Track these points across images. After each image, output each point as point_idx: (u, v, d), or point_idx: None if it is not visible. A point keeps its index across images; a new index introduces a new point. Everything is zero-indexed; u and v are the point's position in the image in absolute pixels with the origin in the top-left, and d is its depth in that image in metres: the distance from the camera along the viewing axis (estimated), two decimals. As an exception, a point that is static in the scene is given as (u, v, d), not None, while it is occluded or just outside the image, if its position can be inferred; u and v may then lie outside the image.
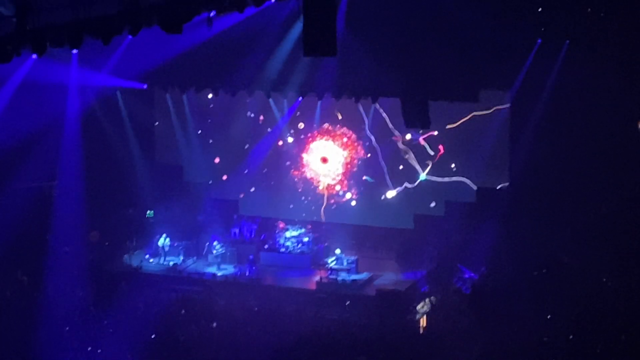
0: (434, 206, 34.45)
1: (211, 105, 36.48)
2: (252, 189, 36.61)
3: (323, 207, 36.10)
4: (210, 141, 36.94)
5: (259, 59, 32.83)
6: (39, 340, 27.90)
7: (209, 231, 35.60)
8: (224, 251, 34.71)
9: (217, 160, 36.78)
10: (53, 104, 33.71)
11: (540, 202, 30.95)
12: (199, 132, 36.89)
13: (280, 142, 36.37)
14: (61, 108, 33.80)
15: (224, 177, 36.89)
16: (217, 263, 34.28)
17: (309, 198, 36.26)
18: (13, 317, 28.75)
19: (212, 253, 34.67)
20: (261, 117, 36.19)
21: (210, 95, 35.73)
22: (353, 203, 35.84)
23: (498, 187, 33.14)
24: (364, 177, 35.48)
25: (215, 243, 34.71)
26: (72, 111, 34.05)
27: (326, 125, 35.73)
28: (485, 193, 33.32)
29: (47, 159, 33.30)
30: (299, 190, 36.26)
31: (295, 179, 36.25)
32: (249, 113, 36.14)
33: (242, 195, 36.82)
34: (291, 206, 36.30)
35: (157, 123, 37.31)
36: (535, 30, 29.88)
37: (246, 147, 36.46)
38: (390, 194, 35.20)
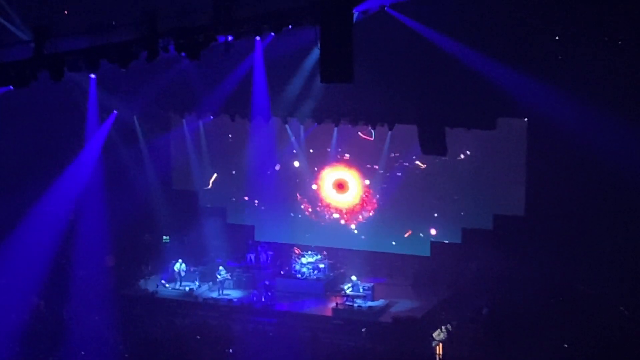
0: (451, 234, 34.33)
1: (230, 135, 36.49)
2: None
3: (338, 233, 36.01)
4: (221, 167, 36.92)
5: (276, 85, 32.90)
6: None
7: (223, 257, 35.52)
8: (228, 277, 34.63)
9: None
10: (72, 128, 33.99)
11: (556, 230, 30.88)
12: (214, 158, 36.92)
13: (296, 168, 36.27)
14: (80, 132, 34.03)
15: (245, 198, 36.86)
16: (219, 288, 34.21)
17: (325, 224, 36.17)
18: (30, 341, 28.79)
19: (217, 278, 34.56)
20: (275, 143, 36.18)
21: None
22: (368, 229, 35.72)
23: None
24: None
25: (220, 268, 34.61)
26: (91, 136, 34.28)
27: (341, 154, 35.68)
28: (502, 221, 33.20)
29: (65, 184, 33.44)
30: (314, 216, 36.20)
31: (311, 205, 36.19)
32: (264, 138, 36.14)
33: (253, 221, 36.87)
34: (307, 235, 36.22)
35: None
36: (552, 58, 29.88)
37: (263, 172, 36.38)
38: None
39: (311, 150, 36.03)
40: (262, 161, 36.28)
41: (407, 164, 34.82)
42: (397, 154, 34.85)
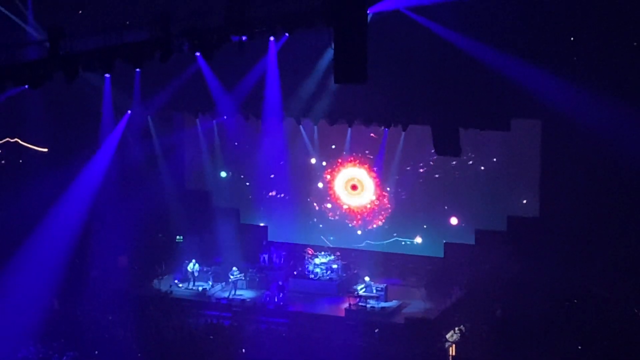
0: (465, 234, 34.28)
1: (242, 135, 36.54)
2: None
3: (352, 234, 36.01)
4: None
5: (289, 85, 32.90)
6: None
7: (236, 257, 35.54)
8: (241, 277, 34.65)
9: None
10: (87, 129, 34.13)
11: (571, 232, 30.79)
12: (227, 158, 36.97)
13: (309, 168, 36.27)
14: (94, 133, 34.17)
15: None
16: (231, 289, 34.24)
17: (339, 225, 36.16)
18: (44, 340, 28.90)
19: (229, 278, 34.58)
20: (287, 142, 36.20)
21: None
22: (382, 230, 35.70)
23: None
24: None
25: (233, 269, 34.63)
26: (105, 136, 34.42)
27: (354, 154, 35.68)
28: (516, 222, 33.13)
29: (80, 184, 33.57)
30: (329, 217, 36.20)
31: (324, 206, 36.19)
32: (279, 139, 36.14)
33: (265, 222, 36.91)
34: (321, 237, 36.22)
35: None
36: (567, 59, 29.82)
37: (273, 174, 36.42)
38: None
39: (325, 151, 36.02)
40: (275, 161, 36.28)
41: (420, 165, 34.76)
42: (411, 155, 34.78)
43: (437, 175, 34.63)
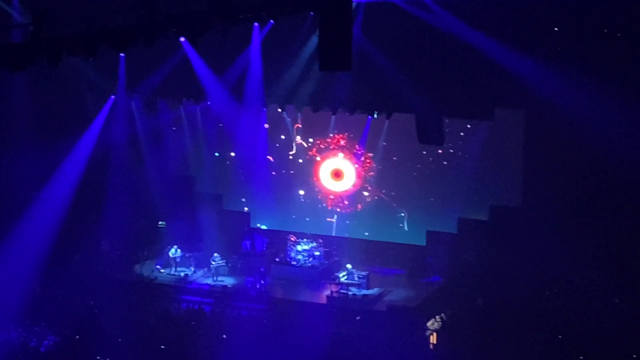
0: (447, 223, 34.33)
1: (224, 121, 36.43)
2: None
3: (334, 221, 36.02)
4: (217, 154, 36.85)
5: (273, 72, 32.87)
6: (49, 349, 28.01)
7: (218, 243, 35.51)
8: (222, 263, 34.65)
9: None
10: (71, 113, 34.07)
11: (553, 221, 30.87)
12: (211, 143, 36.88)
13: (292, 155, 36.24)
14: (78, 118, 34.10)
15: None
16: (213, 275, 34.23)
17: (320, 212, 36.16)
18: (25, 324, 28.87)
19: (212, 264, 34.59)
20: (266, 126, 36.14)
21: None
22: (364, 217, 35.72)
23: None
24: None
25: (215, 255, 34.63)
26: (89, 121, 34.36)
27: (338, 137, 35.58)
28: (499, 211, 33.22)
29: (62, 169, 33.50)
30: (310, 203, 36.19)
31: (306, 193, 36.18)
32: (261, 125, 36.09)
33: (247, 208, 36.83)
34: (307, 219, 36.19)
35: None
36: (550, 50, 29.88)
37: (257, 159, 36.34)
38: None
39: (309, 138, 35.97)
40: (258, 147, 36.24)
41: (403, 153, 34.78)
42: (394, 143, 34.80)
43: (418, 165, 34.65)
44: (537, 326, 27.31)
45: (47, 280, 31.85)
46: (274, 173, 36.34)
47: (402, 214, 35.08)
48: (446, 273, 33.40)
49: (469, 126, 33.29)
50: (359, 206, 35.70)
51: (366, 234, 35.68)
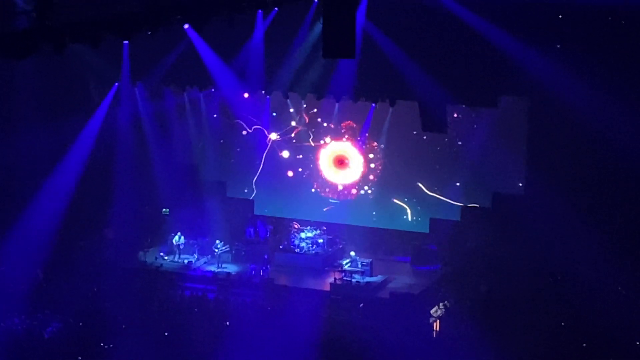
0: (451, 210, 34.32)
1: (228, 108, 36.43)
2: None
3: (338, 208, 36.01)
4: (222, 141, 36.88)
5: (277, 59, 32.84)
6: (53, 336, 28.07)
7: (222, 231, 35.54)
8: (227, 249, 34.73)
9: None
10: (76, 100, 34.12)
11: (555, 209, 30.88)
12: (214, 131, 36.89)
13: (296, 143, 36.21)
14: (84, 104, 34.17)
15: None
16: (217, 262, 34.34)
17: (325, 199, 36.17)
18: (28, 311, 28.92)
19: (214, 251, 34.67)
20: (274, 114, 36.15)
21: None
22: (368, 205, 35.73)
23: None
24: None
25: (217, 242, 34.70)
26: (94, 109, 34.45)
27: (344, 125, 35.57)
28: (501, 199, 33.22)
29: (68, 157, 33.58)
30: (314, 191, 36.19)
31: (311, 180, 36.19)
32: (265, 112, 36.06)
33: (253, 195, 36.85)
34: (308, 207, 36.19)
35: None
36: (554, 38, 29.86)
37: (261, 146, 36.35)
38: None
39: (312, 126, 35.96)
40: (262, 134, 36.23)
41: (407, 140, 34.75)
42: (398, 130, 34.78)
43: (422, 153, 34.61)
44: (540, 313, 27.35)
45: (52, 267, 31.88)
46: (279, 160, 36.28)
47: (406, 207, 35.08)
48: (449, 260, 33.41)
49: (473, 114, 33.24)
50: (364, 191, 35.68)
51: (374, 212, 35.62)
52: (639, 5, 28.57)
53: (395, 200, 35.18)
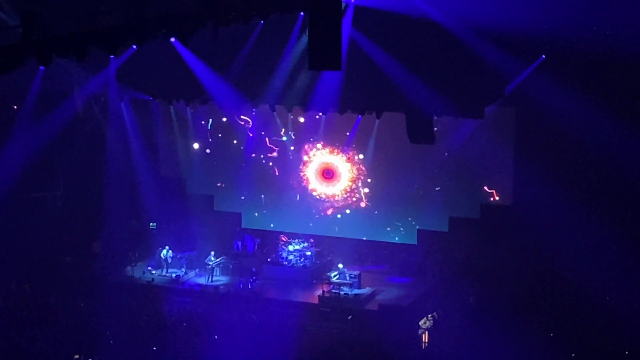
0: (438, 222, 34.32)
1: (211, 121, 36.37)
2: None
3: (325, 221, 35.98)
4: (208, 151, 36.78)
5: (264, 72, 32.79)
6: (40, 350, 27.94)
7: (209, 244, 35.45)
8: (222, 260, 34.66)
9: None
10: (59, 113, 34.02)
11: (543, 219, 30.92)
12: (201, 145, 36.79)
13: (283, 155, 36.17)
14: (65, 118, 34.04)
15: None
16: (209, 275, 34.28)
17: (312, 212, 36.12)
18: (15, 326, 28.78)
19: (207, 264, 34.59)
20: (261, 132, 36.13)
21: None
22: (355, 217, 35.70)
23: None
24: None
25: (212, 254, 34.62)
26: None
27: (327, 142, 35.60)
28: (490, 210, 33.25)
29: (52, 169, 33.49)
30: (301, 204, 36.13)
31: (298, 193, 36.14)
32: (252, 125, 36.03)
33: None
34: (297, 220, 36.13)
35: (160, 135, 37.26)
36: (539, 48, 29.93)
37: (249, 158, 36.29)
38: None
39: (299, 139, 35.93)
40: (249, 148, 36.20)
41: (394, 152, 34.74)
42: (385, 142, 34.77)
43: (409, 165, 34.58)
44: (529, 323, 27.32)
45: (38, 282, 31.76)
46: (265, 172, 36.25)
47: (393, 220, 35.11)
48: (437, 272, 33.39)
49: (460, 125, 33.22)
50: (352, 204, 35.67)
51: (364, 238, 35.65)
52: (622, 14, 28.68)
53: (382, 212, 35.16)
